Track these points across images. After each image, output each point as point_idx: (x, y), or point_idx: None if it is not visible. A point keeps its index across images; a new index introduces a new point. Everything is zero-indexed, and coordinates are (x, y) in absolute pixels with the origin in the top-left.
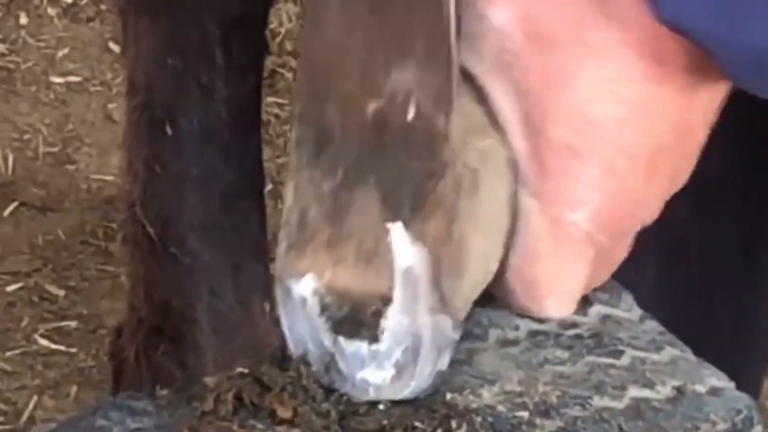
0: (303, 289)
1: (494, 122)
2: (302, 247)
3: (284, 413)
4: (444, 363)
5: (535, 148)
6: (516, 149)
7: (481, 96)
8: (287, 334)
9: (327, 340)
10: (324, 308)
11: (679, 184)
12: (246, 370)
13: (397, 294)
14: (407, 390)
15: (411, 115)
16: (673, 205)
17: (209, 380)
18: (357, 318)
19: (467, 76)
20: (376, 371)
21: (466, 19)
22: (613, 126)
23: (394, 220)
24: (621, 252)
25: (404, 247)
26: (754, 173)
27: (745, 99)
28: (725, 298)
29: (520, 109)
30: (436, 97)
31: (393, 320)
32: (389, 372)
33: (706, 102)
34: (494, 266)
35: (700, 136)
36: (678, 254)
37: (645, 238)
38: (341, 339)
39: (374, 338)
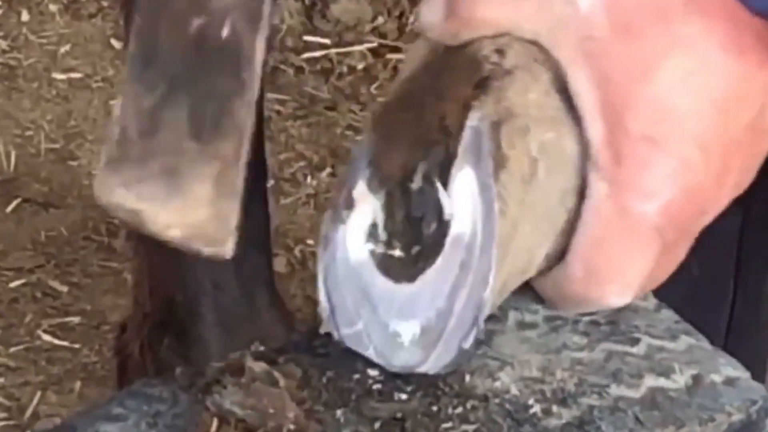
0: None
1: (566, 115)
2: (121, 163)
3: (297, 392)
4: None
5: (612, 135)
6: (591, 136)
7: (559, 84)
8: None
9: None
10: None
11: (745, 184)
12: (256, 350)
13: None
14: (431, 359)
15: (225, 32)
16: None
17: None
18: None
19: (551, 61)
20: (403, 323)
21: (555, 4)
22: (692, 119)
23: (196, 139)
24: (684, 249)
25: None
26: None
27: None
28: (724, 291)
29: (600, 97)
30: (249, 17)
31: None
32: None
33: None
34: (539, 259)
35: (765, 137)
36: None
37: None
38: None
39: None
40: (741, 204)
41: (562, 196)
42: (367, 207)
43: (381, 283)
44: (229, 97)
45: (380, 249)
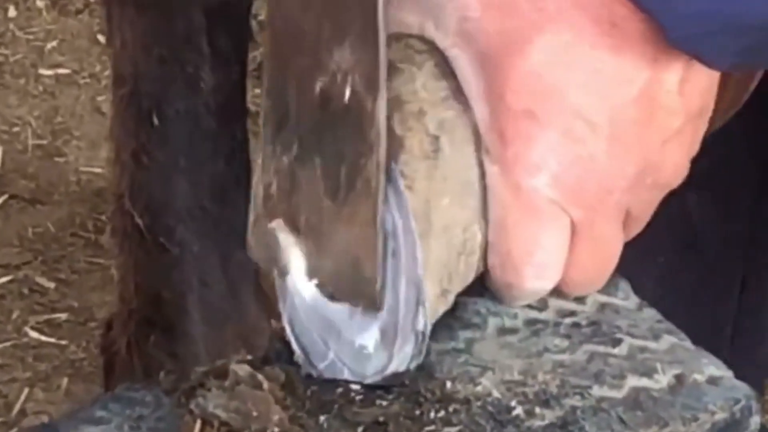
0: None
1: (461, 95)
2: (266, 221)
3: (281, 396)
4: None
5: (495, 114)
6: (478, 118)
7: (447, 70)
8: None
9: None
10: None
11: (662, 168)
12: (242, 358)
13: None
14: (396, 356)
15: (347, 95)
16: (683, 197)
17: (204, 370)
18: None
19: (434, 51)
20: (365, 334)
21: None
22: (571, 91)
23: (332, 199)
24: (608, 232)
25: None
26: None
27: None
28: (732, 291)
29: (482, 77)
30: (367, 80)
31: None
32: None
33: (681, 81)
34: (478, 237)
35: (675, 116)
36: (688, 246)
37: (655, 228)
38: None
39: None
40: (748, 209)
41: (476, 171)
42: (296, 250)
43: (336, 308)
44: (360, 159)
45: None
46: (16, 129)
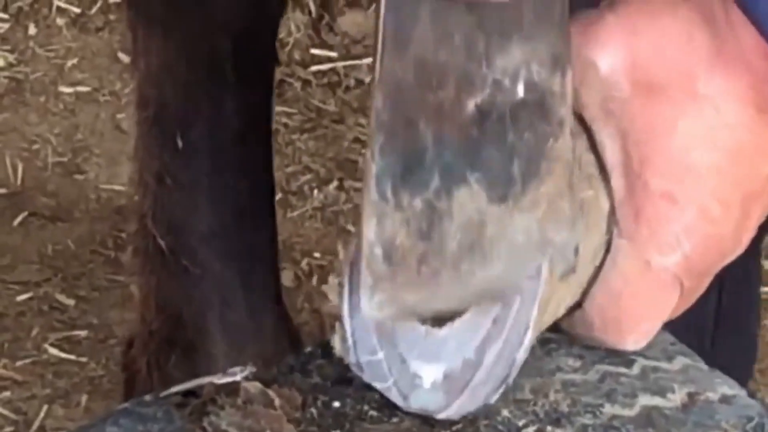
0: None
1: (600, 173)
2: (392, 278)
3: (293, 413)
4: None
5: (632, 192)
6: (615, 192)
7: (592, 142)
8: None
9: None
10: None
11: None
12: (251, 371)
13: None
14: (453, 406)
15: (521, 91)
16: None
17: (216, 381)
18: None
19: (583, 123)
20: (424, 365)
21: (576, 65)
22: (711, 174)
23: (501, 201)
24: (702, 290)
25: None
26: None
27: None
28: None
29: (622, 154)
30: (551, 61)
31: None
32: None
33: None
34: (563, 311)
35: None
36: None
37: None
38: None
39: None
40: None
41: (594, 254)
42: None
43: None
44: (543, 144)
45: None
46: (36, 146)
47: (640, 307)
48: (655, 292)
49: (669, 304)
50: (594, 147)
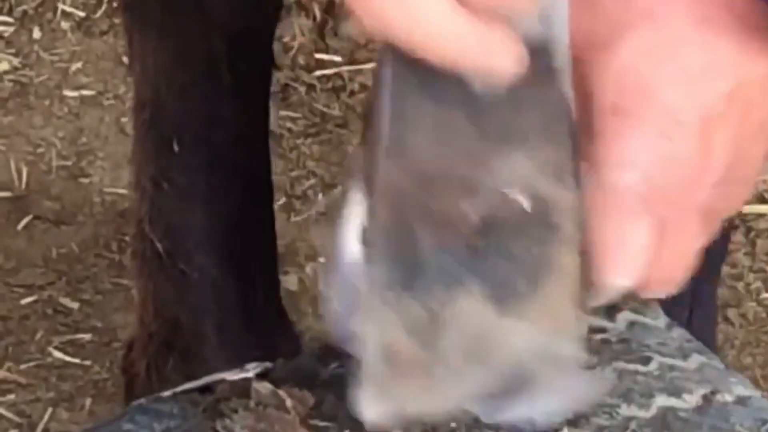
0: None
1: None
2: (392, 383)
3: (302, 410)
4: None
5: (585, 112)
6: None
7: None
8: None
9: None
10: None
11: (747, 162)
12: (264, 368)
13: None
14: None
15: (526, 204)
16: None
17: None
18: None
19: None
20: None
21: None
22: (661, 89)
23: (506, 313)
24: (690, 230)
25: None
26: None
27: None
28: None
29: (574, 77)
30: (558, 174)
31: None
32: None
33: (766, 76)
34: None
35: (762, 110)
36: None
37: None
38: None
39: None
40: None
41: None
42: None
43: None
44: (550, 258)
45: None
46: (40, 150)
47: (609, 233)
48: (624, 216)
49: (641, 229)
50: None
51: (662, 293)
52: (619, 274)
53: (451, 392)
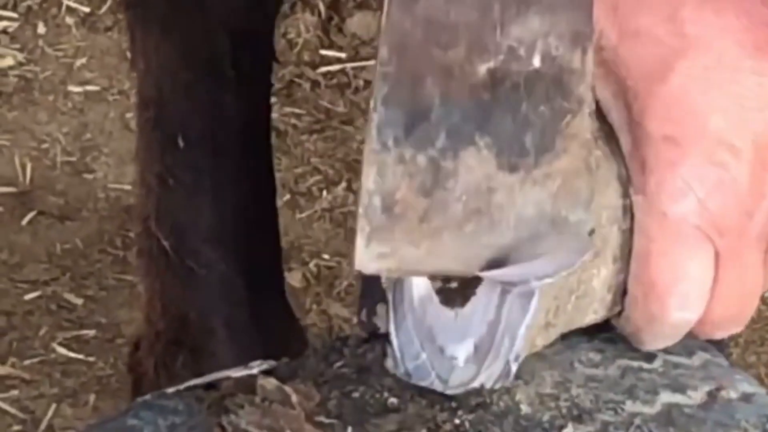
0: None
1: (611, 136)
2: (390, 229)
3: (307, 406)
4: (518, 353)
5: (636, 143)
6: (624, 149)
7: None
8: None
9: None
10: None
11: None
12: (270, 365)
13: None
14: (483, 372)
15: (537, 63)
16: None
17: (233, 375)
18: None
19: None
20: (458, 345)
21: None
22: (713, 116)
23: (512, 171)
24: (752, 259)
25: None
26: None
27: None
28: None
29: (623, 107)
30: (572, 36)
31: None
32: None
33: None
34: (594, 282)
35: None
36: None
37: None
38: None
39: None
40: None
41: (606, 214)
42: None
43: (441, 314)
44: (560, 119)
45: (438, 284)
46: (45, 146)
47: (670, 265)
48: (681, 246)
49: (701, 260)
50: (600, 110)
51: (724, 332)
52: (680, 307)
53: (449, 245)
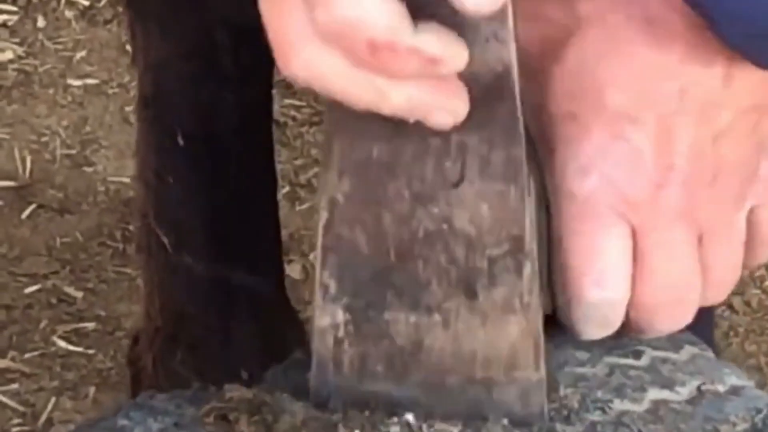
0: None
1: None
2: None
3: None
4: None
5: (541, 126)
6: (531, 133)
7: None
8: None
9: None
10: None
11: (720, 165)
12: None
13: None
14: None
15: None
16: None
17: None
18: None
19: None
20: None
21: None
22: (612, 90)
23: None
24: (668, 235)
25: None
26: None
27: None
28: None
29: (527, 92)
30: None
31: None
32: None
33: (726, 75)
34: None
35: (722, 110)
36: None
37: None
38: None
39: None
40: None
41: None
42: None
43: None
44: None
45: None
46: (44, 139)
47: (582, 244)
48: (593, 225)
49: (615, 238)
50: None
51: (676, 320)
52: (596, 284)
53: None
